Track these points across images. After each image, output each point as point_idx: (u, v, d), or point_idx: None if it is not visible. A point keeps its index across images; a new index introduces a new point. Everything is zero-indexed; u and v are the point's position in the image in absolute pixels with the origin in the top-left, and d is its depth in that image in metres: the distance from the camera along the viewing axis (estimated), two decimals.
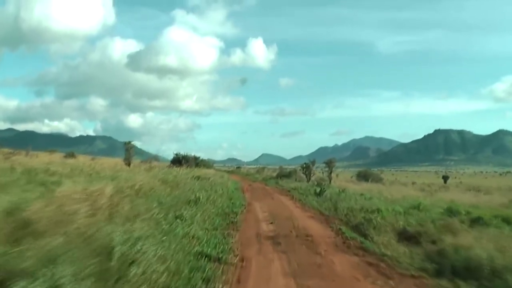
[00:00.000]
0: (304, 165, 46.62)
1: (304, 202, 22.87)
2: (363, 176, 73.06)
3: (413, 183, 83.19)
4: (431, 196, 32.69)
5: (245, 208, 19.08)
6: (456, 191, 48.14)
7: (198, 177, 25.08)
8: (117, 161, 52.79)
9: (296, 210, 19.60)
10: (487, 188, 60.57)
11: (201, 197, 16.28)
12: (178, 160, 53.85)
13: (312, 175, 46.40)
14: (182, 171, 32.06)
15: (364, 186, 46.49)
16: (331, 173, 52.15)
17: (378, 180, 73.98)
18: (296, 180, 46.86)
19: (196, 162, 55.39)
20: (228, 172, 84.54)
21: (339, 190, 27.32)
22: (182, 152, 56.69)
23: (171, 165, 52.03)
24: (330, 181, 50.07)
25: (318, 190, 26.81)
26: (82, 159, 55.18)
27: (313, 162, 47.41)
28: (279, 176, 52.62)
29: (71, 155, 55.71)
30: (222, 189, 23.82)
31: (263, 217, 16.72)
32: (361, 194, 25.59)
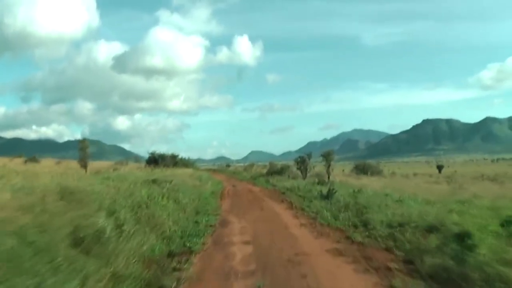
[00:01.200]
0: (299, 159, 39.04)
1: (311, 212, 15.20)
2: (361, 169, 66.69)
3: (415, 174, 76.76)
4: (462, 190, 25.75)
5: (212, 233, 11.40)
6: (477, 182, 41.14)
7: (154, 181, 17.40)
8: (99, 164, 46.27)
9: (303, 233, 11.40)
10: (495, 177, 54.36)
11: (123, 219, 8.58)
12: (155, 160, 47.36)
13: (308, 170, 38.88)
14: (142, 173, 24.55)
15: (370, 181, 39.57)
16: (329, 167, 44.72)
17: (378, 172, 67.45)
18: (289, 177, 39.44)
19: (174, 161, 48.31)
20: (214, 170, 77.52)
21: (353, 190, 19.83)
22: (169, 152, 51.24)
23: (146, 165, 45.64)
24: (328, 177, 42.85)
25: (324, 190, 19.41)
26: (47, 163, 48.90)
27: (310, 155, 39.84)
28: (269, 173, 44.96)
29: (33, 159, 48.43)
30: (185, 199, 16.31)
31: (241, 260, 8.35)
32: (386, 195, 18.18)
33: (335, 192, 18.49)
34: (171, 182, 18.19)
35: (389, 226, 11.23)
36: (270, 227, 11.91)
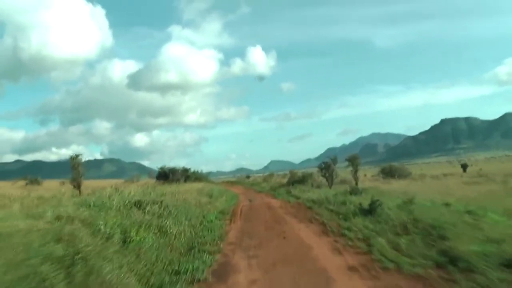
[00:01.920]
0: (323, 165, 34.08)
1: (356, 240, 10.15)
2: (388, 173, 61.81)
3: (444, 174, 71.06)
4: None
5: None
6: None
7: (138, 204, 12.73)
8: (105, 183, 42.30)
9: None
10: None
11: None
12: (165, 175, 42.99)
13: (334, 177, 33.95)
14: (138, 192, 20.00)
15: (402, 185, 34.78)
16: (356, 172, 39.76)
17: (406, 175, 62.49)
18: (313, 186, 34.56)
19: (186, 175, 43.94)
20: (232, 183, 72.90)
21: (403, 201, 14.94)
22: (188, 167, 47.94)
23: (156, 181, 41.56)
24: (356, 183, 37.89)
25: (363, 202, 14.67)
26: (50, 185, 45.14)
27: (335, 160, 34.89)
28: (290, 182, 40.01)
29: (35, 181, 44.56)
30: (179, 226, 11.64)
31: None
32: (446, 204, 13.41)
33: (379, 205, 13.68)
34: (160, 203, 13.54)
35: (502, 265, 6.51)
36: (300, 278, 7.00)
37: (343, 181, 38.93)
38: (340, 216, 14.28)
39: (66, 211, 10.04)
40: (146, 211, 12.27)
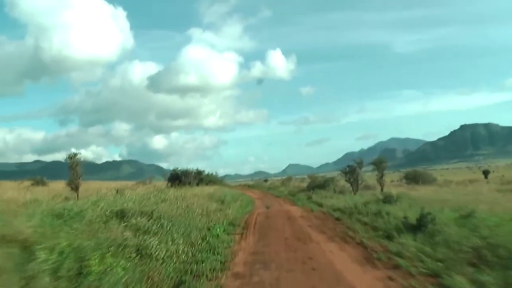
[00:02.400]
0: (348, 169, 30.75)
1: (420, 276, 6.86)
2: (412, 178, 58.23)
3: (470, 181, 67.04)
4: None
5: None
6: None
7: (121, 214, 9.73)
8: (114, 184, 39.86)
9: None
10: None
11: None
12: (177, 177, 40.15)
13: (360, 182, 30.64)
14: (138, 195, 17.08)
15: (430, 192, 31.53)
16: (382, 177, 36.36)
17: (431, 181, 58.86)
18: (335, 191, 31.28)
19: (199, 177, 41.00)
20: (249, 186, 69.88)
21: (459, 215, 11.67)
22: (207, 170, 46.25)
23: (168, 183, 38.77)
24: (382, 189, 34.51)
25: (408, 215, 11.52)
26: (56, 186, 42.69)
27: (361, 163, 31.58)
28: (310, 187, 36.71)
29: (41, 182, 41.96)
30: (169, 245, 8.62)
31: None
32: None
33: (432, 219, 10.50)
34: (151, 214, 10.51)
35: None
36: None
37: (366, 187, 35.61)
38: (380, 232, 11.12)
39: (17, 226, 7.13)
40: (129, 224, 9.26)
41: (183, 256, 8.60)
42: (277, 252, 9.46)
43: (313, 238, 11.14)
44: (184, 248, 9.02)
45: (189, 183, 36.84)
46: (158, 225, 9.85)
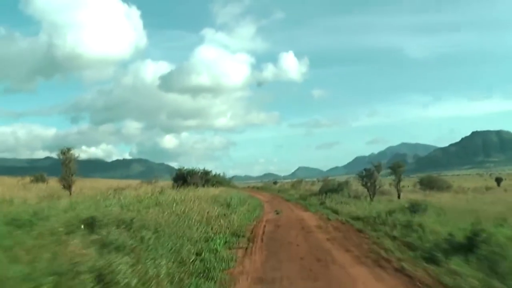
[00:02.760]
0: (365, 173, 28.34)
1: None
2: (427, 184, 55.99)
3: (487, 188, 64.45)
4: None
5: None
6: None
7: (90, 222, 7.53)
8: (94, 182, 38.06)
9: None
10: None
11: None
12: (183, 177, 38.06)
13: (377, 187, 28.22)
14: (132, 195, 14.93)
15: (448, 199, 29.49)
16: (399, 182, 34.03)
17: (446, 187, 56.51)
18: (350, 196, 28.90)
19: (205, 178, 38.85)
20: (258, 188, 67.68)
21: None
22: (216, 170, 45.14)
23: (174, 184, 36.69)
24: (399, 195, 32.15)
25: (453, 232, 9.25)
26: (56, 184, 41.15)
27: (379, 167, 29.15)
28: (323, 191, 34.28)
29: (40, 179, 40.34)
30: (147, 268, 6.27)
31: None
32: None
33: (487, 239, 8.18)
34: (130, 223, 8.27)
35: None
36: None
37: (381, 192, 33.18)
38: (419, 252, 8.79)
39: None
40: (97, 238, 7.03)
41: (166, 283, 6.35)
42: (291, 280, 7.08)
43: (336, 259, 8.73)
44: (166, 271, 6.75)
45: (195, 184, 34.81)
46: (137, 239, 7.59)
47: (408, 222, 12.46)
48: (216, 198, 20.87)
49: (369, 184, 27.59)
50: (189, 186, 30.82)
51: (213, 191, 25.56)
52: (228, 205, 19.61)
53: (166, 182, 49.17)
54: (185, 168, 40.61)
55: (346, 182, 36.44)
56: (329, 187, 35.35)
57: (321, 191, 34.96)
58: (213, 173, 42.45)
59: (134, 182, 48.57)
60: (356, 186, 32.99)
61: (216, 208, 16.84)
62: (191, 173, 38.91)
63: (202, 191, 23.52)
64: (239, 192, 35.58)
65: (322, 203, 24.88)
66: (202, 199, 18.28)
